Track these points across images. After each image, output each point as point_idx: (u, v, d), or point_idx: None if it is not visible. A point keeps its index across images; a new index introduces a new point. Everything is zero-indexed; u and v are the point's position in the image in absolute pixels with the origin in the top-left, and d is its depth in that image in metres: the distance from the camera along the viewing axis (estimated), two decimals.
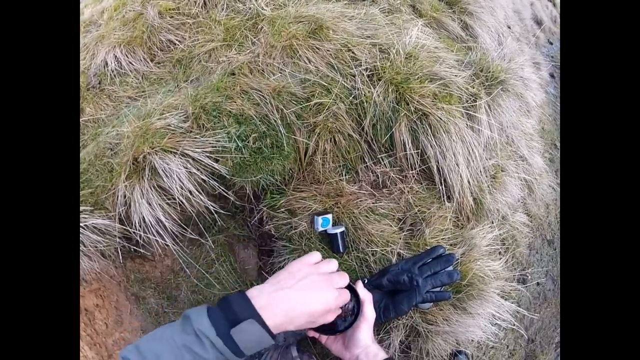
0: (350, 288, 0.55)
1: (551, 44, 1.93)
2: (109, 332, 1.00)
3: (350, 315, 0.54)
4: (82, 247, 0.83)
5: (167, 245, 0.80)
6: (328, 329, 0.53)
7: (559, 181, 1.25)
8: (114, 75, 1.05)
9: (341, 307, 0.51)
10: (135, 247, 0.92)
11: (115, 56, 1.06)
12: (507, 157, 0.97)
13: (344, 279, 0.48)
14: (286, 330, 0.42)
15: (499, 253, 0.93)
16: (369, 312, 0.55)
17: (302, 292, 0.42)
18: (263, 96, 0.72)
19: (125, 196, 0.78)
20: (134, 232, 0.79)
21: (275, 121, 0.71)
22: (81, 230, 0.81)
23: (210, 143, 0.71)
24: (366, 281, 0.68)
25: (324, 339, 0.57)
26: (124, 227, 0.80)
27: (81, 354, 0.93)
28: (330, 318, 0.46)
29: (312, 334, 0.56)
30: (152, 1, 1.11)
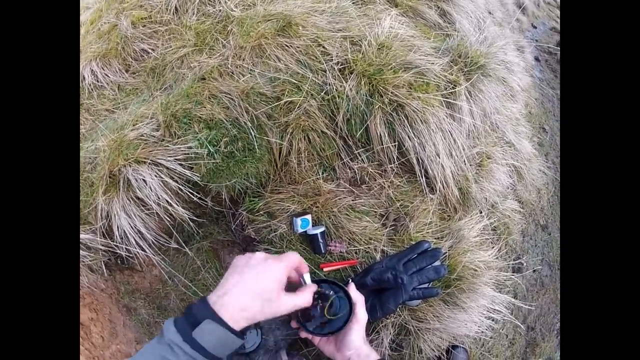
0: (343, 290, 0.54)
1: (535, 27, 1.88)
2: (105, 344, 1.01)
3: (323, 305, 0.53)
4: None
5: (148, 257, 0.79)
6: (321, 329, 0.52)
7: (549, 165, 1.22)
8: (92, 89, 1.05)
9: (317, 294, 0.50)
10: (120, 260, 0.92)
11: (92, 70, 1.06)
12: (492, 143, 0.94)
13: (290, 254, 0.48)
14: (255, 322, 0.42)
15: (491, 242, 0.91)
16: (361, 314, 0.54)
17: (246, 277, 0.42)
18: (232, 99, 0.71)
19: (105, 210, 0.78)
20: (116, 245, 0.79)
21: (245, 123, 0.69)
22: None
23: (182, 150, 0.69)
24: (350, 280, 0.67)
25: (316, 340, 0.56)
26: (107, 241, 0.80)
27: None
28: (302, 300, 0.46)
29: (304, 334, 0.55)
30: (125, 12, 1.10)
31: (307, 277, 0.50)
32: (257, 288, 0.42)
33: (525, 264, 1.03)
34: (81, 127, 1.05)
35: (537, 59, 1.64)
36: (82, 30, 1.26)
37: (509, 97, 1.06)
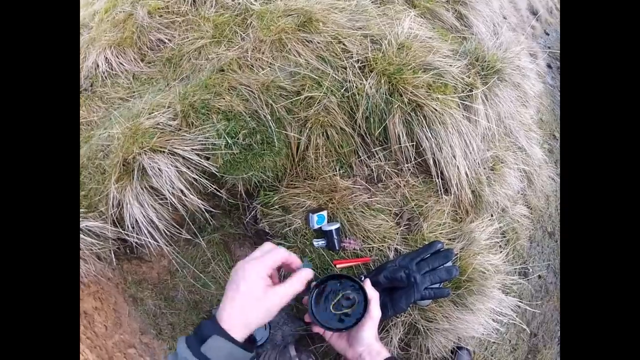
0: (359, 286, 0.54)
1: (547, 34, 1.89)
2: (108, 334, 1.00)
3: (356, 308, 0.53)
4: None
5: (160, 247, 0.79)
6: (334, 324, 0.53)
7: (558, 172, 1.23)
8: (105, 77, 1.05)
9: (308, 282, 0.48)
10: (129, 249, 0.91)
11: (106, 58, 1.05)
12: (505, 148, 0.95)
13: (274, 252, 0.47)
14: (257, 327, 0.43)
15: (499, 246, 0.91)
16: (374, 311, 0.54)
17: (233, 286, 0.43)
18: (252, 91, 0.71)
19: (116, 198, 0.77)
20: (127, 234, 0.78)
21: (264, 116, 0.69)
22: None
23: (200, 141, 0.69)
24: (362, 278, 0.67)
25: (328, 335, 0.56)
26: (118, 230, 0.79)
27: (82, 357, 0.93)
28: (293, 288, 0.45)
29: (317, 329, 0.55)
30: (141, 1, 1.10)
31: (305, 263, 0.49)
32: (246, 292, 0.42)
33: (531, 270, 1.04)
34: (93, 114, 1.04)
35: (549, 65, 1.66)
36: (96, 19, 1.25)
37: (522, 103, 1.07)
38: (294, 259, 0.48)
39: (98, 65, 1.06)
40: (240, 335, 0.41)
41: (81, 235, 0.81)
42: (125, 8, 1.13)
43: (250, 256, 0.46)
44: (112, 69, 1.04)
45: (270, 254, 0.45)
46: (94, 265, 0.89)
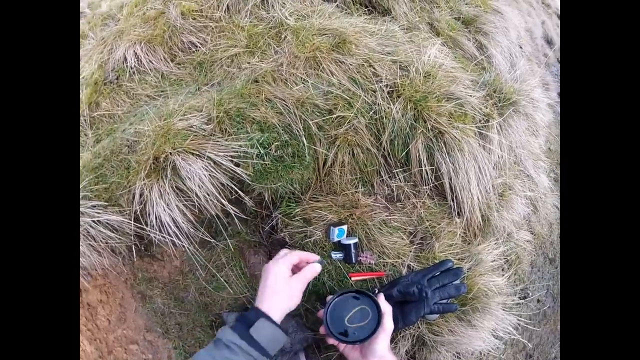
0: (373, 300, 0.58)
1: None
2: (111, 328, 1.00)
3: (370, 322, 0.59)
4: (92, 242, 0.84)
5: (178, 247, 0.81)
6: (349, 337, 0.58)
7: None
8: (133, 72, 1.06)
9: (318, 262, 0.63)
10: (144, 246, 0.92)
11: (135, 53, 1.07)
12: (514, 176, 1.00)
13: (291, 254, 0.61)
14: (289, 310, 0.55)
15: (502, 269, 0.96)
16: (388, 324, 0.59)
17: (264, 284, 0.56)
18: (287, 105, 0.74)
19: (142, 194, 0.79)
20: (149, 231, 0.80)
21: (298, 131, 0.73)
22: (93, 225, 0.81)
23: (233, 148, 0.72)
24: (376, 291, 0.70)
25: (342, 346, 0.59)
26: (140, 226, 0.81)
27: (80, 349, 0.93)
28: (305, 274, 0.59)
29: (331, 341, 0.59)
30: (174, 1, 1.12)
31: (319, 260, 0.64)
32: (274, 284, 0.55)
33: (530, 294, 1.09)
34: (118, 108, 1.05)
35: (560, 95, 1.71)
36: (125, 11, 1.27)
37: (532, 132, 1.13)
38: (310, 255, 0.63)
39: (126, 59, 1.08)
40: (277, 317, 0.51)
41: (99, 228, 0.82)
42: (157, 5, 1.15)
43: (274, 258, 0.61)
44: (140, 65, 1.06)
45: (290, 254, 0.61)
46: (108, 258, 0.90)
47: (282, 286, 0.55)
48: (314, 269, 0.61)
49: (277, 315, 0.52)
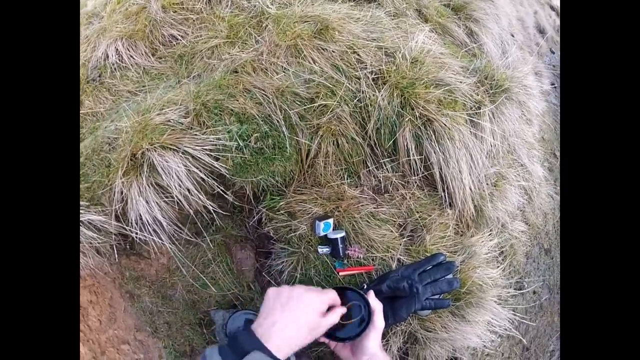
0: (363, 298, 0.56)
1: (553, 53, 1.94)
2: (102, 328, 0.99)
3: (360, 319, 0.56)
4: None
5: (164, 244, 0.79)
6: (340, 334, 0.55)
7: (557, 190, 1.26)
8: (115, 69, 1.04)
9: (347, 307, 0.55)
10: (129, 245, 0.90)
11: (117, 49, 1.04)
12: (508, 165, 0.97)
13: (328, 291, 0.53)
14: (298, 349, 0.45)
15: (497, 261, 0.93)
16: (378, 321, 0.56)
17: (292, 308, 0.46)
18: (266, 95, 0.71)
19: (122, 192, 0.77)
20: (130, 230, 0.78)
21: (278, 121, 0.70)
22: None
23: (211, 141, 0.69)
24: (365, 287, 0.68)
25: (332, 344, 0.57)
26: (120, 225, 0.79)
27: None
28: (333, 319, 0.50)
29: (322, 339, 0.56)
30: None
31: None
32: (302, 318, 0.46)
33: (526, 285, 1.06)
34: (100, 105, 1.03)
35: (553, 84, 1.69)
36: (108, 8, 1.24)
37: (525, 121, 1.10)
38: (338, 300, 0.55)
39: (108, 56, 1.05)
40: (283, 356, 0.43)
41: (82, 229, 0.80)
42: (139, 0, 1.13)
43: (309, 287, 0.51)
44: (122, 61, 1.03)
45: (329, 293, 0.53)
46: (93, 259, 0.88)
47: (311, 327, 0.46)
48: (340, 311, 0.53)
49: (285, 354, 0.43)
